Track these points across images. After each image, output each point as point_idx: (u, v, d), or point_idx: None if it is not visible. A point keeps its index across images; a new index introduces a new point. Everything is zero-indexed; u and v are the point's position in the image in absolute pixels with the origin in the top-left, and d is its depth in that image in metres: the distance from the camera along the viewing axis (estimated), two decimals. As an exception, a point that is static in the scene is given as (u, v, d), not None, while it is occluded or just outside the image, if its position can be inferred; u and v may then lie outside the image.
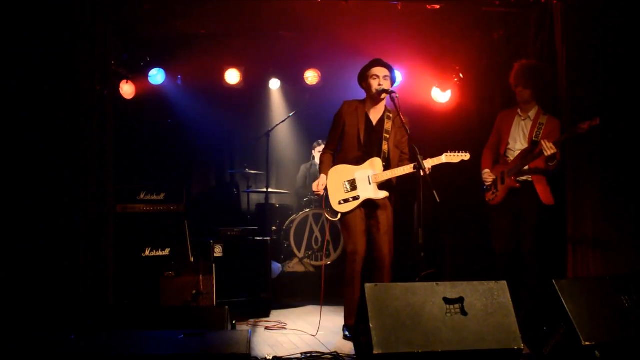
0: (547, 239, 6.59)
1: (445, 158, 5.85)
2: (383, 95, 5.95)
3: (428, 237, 6.40)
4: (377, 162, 5.93)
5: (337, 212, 5.93)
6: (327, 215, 6.01)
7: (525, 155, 6.42)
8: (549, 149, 6.08)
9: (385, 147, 5.97)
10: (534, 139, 6.43)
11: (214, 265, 6.81)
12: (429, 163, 5.71)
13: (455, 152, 5.88)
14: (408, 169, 5.80)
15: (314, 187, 6.05)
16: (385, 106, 6.11)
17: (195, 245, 7.15)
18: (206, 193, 10.98)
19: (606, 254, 6.49)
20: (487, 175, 6.68)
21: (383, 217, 5.97)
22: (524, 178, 6.44)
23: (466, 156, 5.93)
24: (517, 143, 6.57)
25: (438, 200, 5.24)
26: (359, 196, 5.90)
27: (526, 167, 6.40)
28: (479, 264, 7.69)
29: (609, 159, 6.56)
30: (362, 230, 5.96)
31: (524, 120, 6.61)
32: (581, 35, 6.73)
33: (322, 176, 6.07)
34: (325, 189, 6.02)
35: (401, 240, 8.46)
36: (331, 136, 6.19)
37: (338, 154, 6.15)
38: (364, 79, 6.05)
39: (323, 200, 6.01)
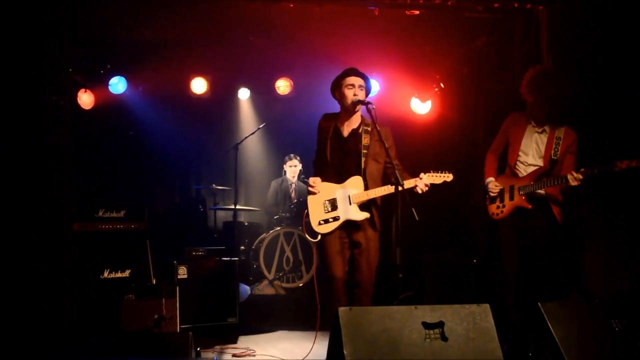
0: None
1: (427, 178, 5.81)
2: (358, 107, 5.95)
3: (407, 257, 6.43)
4: (357, 181, 5.87)
5: (317, 233, 5.90)
6: (306, 236, 5.96)
7: (540, 176, 6.19)
8: (575, 180, 5.89)
9: (363, 163, 5.92)
10: (552, 157, 6.21)
11: (177, 288, 6.77)
12: (408, 184, 5.70)
13: (437, 172, 5.84)
14: (389, 189, 5.76)
15: (311, 182, 5.96)
16: (362, 117, 6.08)
17: (157, 266, 7.10)
18: (170, 210, 10.94)
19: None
20: (493, 186, 6.42)
21: (363, 239, 5.90)
22: (537, 197, 6.23)
23: (449, 177, 5.86)
24: (530, 157, 6.31)
25: (417, 218, 5.23)
26: (338, 217, 5.86)
27: (542, 191, 6.19)
28: (461, 285, 7.71)
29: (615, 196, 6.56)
30: (340, 252, 5.90)
31: (539, 132, 6.33)
32: (568, 43, 6.77)
33: (314, 178, 5.99)
34: (307, 207, 5.97)
35: (379, 260, 8.49)
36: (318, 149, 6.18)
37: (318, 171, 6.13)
38: (337, 88, 6.00)
39: (303, 220, 5.98)
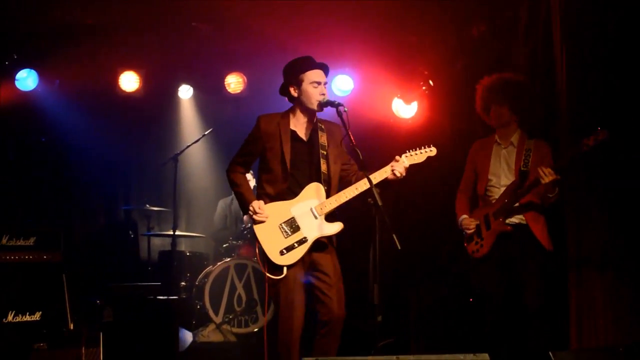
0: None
1: (407, 159, 5.87)
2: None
3: (387, 295, 6.42)
4: (317, 188, 5.83)
5: (282, 267, 5.71)
6: (269, 276, 5.77)
7: (513, 191, 6.45)
8: (547, 175, 6.09)
9: (324, 166, 5.90)
10: (522, 168, 6.50)
11: (101, 334, 6.73)
12: (383, 173, 5.76)
13: (416, 150, 5.94)
14: (363, 185, 5.75)
15: (256, 207, 5.77)
16: (316, 116, 6.05)
17: (76, 307, 7.06)
18: (92, 237, 10.85)
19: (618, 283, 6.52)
20: (468, 222, 6.71)
21: (329, 265, 5.84)
22: (516, 220, 6.48)
23: (432, 151, 5.98)
24: (502, 178, 6.63)
25: (399, 247, 5.23)
26: (306, 238, 5.75)
27: (517, 204, 6.43)
28: (453, 329, 7.74)
29: (616, 185, 6.60)
30: (302, 287, 5.88)
31: (505, 148, 6.70)
32: (587, 31, 6.78)
33: (256, 202, 5.81)
34: (258, 242, 5.82)
35: (352, 298, 8.49)
36: (241, 157, 6.07)
37: (258, 190, 6.03)
38: (295, 82, 5.92)
39: (258, 257, 5.82)
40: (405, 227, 8.17)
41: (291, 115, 5.96)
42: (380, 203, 5.42)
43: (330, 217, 5.83)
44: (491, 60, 8.18)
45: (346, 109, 5.65)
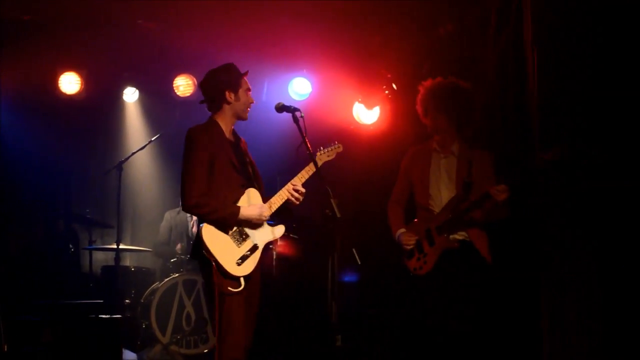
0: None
1: (320, 159, 5.99)
2: None
3: (346, 314, 6.42)
4: (254, 193, 5.90)
5: (239, 278, 5.68)
6: (230, 289, 5.73)
7: (456, 205, 6.51)
8: (501, 192, 6.15)
9: (251, 169, 6.00)
10: (465, 180, 6.54)
11: (39, 356, 6.74)
12: (302, 176, 5.86)
13: (325, 148, 6.07)
14: (306, 173, 5.87)
15: (261, 213, 5.80)
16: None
17: (11, 326, 7.04)
18: (28, 251, 10.76)
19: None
20: (407, 237, 6.68)
21: (257, 283, 5.92)
22: (459, 236, 6.54)
23: (339, 148, 6.12)
24: (442, 189, 6.66)
25: (359, 262, 5.26)
26: (256, 244, 5.81)
27: (463, 221, 6.48)
28: (419, 351, 7.79)
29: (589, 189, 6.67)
30: (256, 302, 5.90)
31: (445, 157, 6.73)
32: (559, 33, 6.85)
33: (253, 206, 5.80)
34: (213, 256, 5.75)
35: (307, 318, 8.49)
36: (201, 181, 5.78)
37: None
38: (233, 88, 5.90)
39: (213, 272, 5.72)
40: (366, 239, 8.20)
41: (220, 122, 5.95)
42: (338, 215, 5.43)
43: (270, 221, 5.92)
44: (459, 62, 8.24)
45: (303, 115, 5.68)
